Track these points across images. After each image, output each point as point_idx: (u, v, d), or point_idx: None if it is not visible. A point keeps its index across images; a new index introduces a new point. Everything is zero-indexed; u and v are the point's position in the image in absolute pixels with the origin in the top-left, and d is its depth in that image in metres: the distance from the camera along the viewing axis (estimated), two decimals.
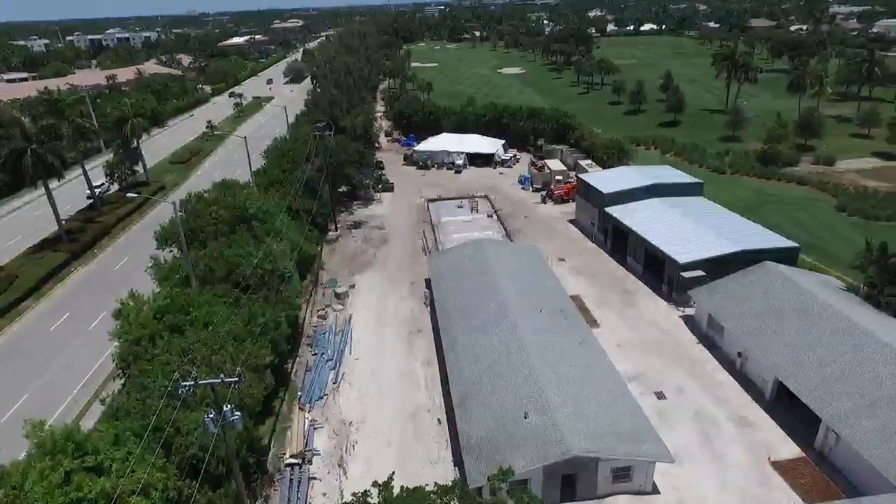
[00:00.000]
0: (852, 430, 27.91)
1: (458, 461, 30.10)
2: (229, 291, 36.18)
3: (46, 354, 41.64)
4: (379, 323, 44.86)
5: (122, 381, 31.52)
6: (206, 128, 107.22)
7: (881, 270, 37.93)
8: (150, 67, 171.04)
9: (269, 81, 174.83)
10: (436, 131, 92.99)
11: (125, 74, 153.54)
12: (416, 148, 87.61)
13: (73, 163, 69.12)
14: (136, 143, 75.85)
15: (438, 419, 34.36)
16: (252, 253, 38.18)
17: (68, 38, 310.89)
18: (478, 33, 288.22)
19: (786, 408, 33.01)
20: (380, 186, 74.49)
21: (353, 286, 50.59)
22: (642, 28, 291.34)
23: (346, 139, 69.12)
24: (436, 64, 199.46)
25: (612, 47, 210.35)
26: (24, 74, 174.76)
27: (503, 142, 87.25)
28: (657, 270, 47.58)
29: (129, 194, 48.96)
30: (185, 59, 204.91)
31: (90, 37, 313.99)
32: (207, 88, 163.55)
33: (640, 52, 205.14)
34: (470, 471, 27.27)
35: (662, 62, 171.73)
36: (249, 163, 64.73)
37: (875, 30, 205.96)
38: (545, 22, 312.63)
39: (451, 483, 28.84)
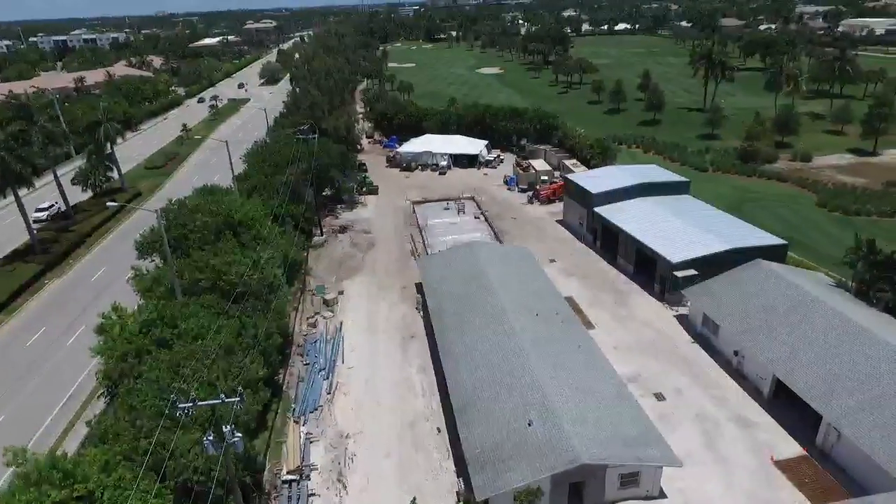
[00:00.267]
0: (854, 427, 28.02)
1: (461, 471, 29.42)
2: (216, 302, 34.91)
3: (22, 373, 39.63)
4: (371, 330, 43.90)
5: (107, 400, 30.07)
6: (182, 131, 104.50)
7: (870, 266, 38.43)
8: (120, 69, 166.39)
9: (241, 86, 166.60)
10: (417, 132, 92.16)
11: (94, 77, 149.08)
12: (399, 149, 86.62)
13: (44, 169, 66.44)
14: (110, 148, 73.29)
15: (438, 428, 33.60)
16: (240, 261, 36.90)
17: (31, 38, 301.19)
18: (454, 33, 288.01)
19: (784, 406, 33.11)
20: (364, 189, 73.36)
21: (341, 292, 49.49)
22: (616, 28, 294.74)
23: (328, 141, 67.88)
24: (413, 64, 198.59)
25: (587, 47, 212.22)
26: None
27: (486, 142, 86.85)
28: (648, 270, 47.58)
29: (109, 203, 46.92)
30: (157, 61, 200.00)
31: (55, 38, 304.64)
32: (181, 91, 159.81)
33: (614, 51, 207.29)
34: (476, 482, 26.57)
35: (637, 61, 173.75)
36: (231, 167, 63.03)
37: (841, 29, 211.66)
38: (520, 22, 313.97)
39: (456, 494, 28.38)
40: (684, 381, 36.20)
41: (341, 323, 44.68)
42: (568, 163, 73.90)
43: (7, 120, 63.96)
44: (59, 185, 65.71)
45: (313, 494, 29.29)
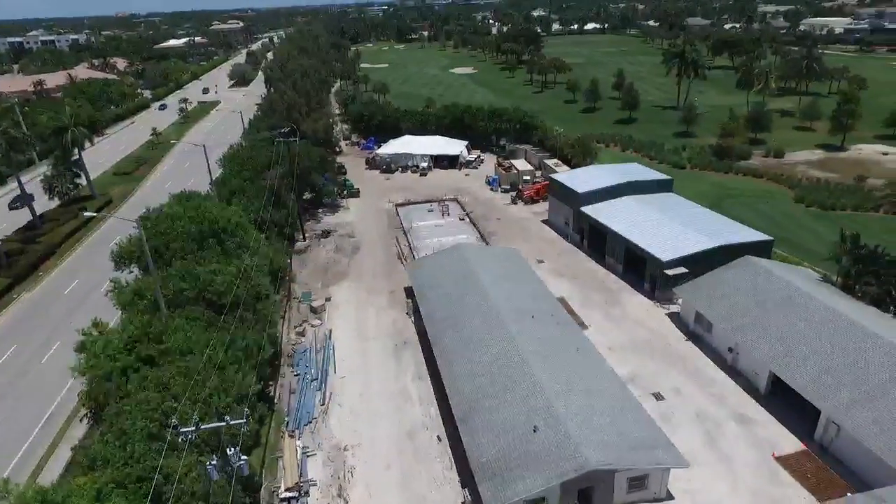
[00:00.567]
0: (853, 420, 28.34)
1: (466, 481, 28.75)
2: (202, 314, 33.45)
3: None
4: (361, 337, 42.85)
5: (90, 423, 28.43)
6: (152, 135, 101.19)
7: (855, 261, 39.17)
8: (83, 72, 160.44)
9: (206, 91, 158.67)
10: (396, 133, 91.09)
11: (54, 80, 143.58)
12: (378, 151, 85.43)
13: (7, 176, 63.25)
14: (77, 153, 70.28)
15: (438, 437, 32.84)
16: (226, 270, 35.45)
17: None
18: (426, 33, 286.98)
19: (781, 401, 33.39)
20: (345, 192, 72.02)
21: (328, 299, 48.28)
22: (586, 27, 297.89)
23: (308, 144, 66.37)
24: (386, 65, 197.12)
25: (558, 46, 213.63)
26: None
27: (466, 143, 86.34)
28: (638, 269, 47.69)
29: (86, 213, 44.67)
30: (121, 63, 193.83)
31: (10, 39, 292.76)
32: (147, 93, 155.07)
33: (586, 50, 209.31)
34: (484, 493, 25.92)
35: (609, 60, 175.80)
36: (210, 172, 61.05)
37: (802, 27, 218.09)
38: (491, 22, 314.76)
39: None
40: (681, 380, 36.23)
41: (330, 331, 43.52)
42: (549, 162, 73.90)
43: None
44: (24, 192, 62.73)
45: None
